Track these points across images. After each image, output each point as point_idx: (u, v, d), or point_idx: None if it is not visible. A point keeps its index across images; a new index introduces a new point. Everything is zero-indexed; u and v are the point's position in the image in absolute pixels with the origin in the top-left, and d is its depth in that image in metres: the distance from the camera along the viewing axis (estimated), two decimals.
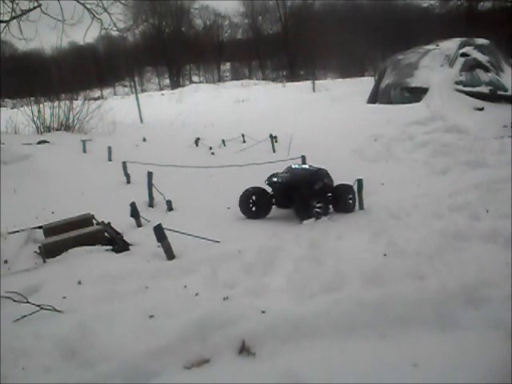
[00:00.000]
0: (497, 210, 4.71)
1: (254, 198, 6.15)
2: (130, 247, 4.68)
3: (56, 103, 14.06)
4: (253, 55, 46.40)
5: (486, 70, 15.16)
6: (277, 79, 41.63)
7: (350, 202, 6.11)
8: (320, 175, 6.22)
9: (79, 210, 5.57)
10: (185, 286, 3.46)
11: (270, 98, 23.15)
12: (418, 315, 2.65)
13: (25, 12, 8.17)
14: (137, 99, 19.55)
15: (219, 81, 42.74)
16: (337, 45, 32.30)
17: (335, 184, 6.29)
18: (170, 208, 6.41)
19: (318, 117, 15.29)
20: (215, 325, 2.66)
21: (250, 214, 6.08)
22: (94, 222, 5.44)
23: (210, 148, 11.81)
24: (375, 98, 16.90)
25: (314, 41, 32.58)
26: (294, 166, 6.62)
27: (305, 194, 5.78)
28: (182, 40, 44.07)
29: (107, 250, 4.55)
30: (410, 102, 14.64)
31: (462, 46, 16.55)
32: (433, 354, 2.35)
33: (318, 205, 5.75)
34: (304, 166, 6.83)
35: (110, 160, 9.97)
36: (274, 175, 6.28)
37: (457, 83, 14.81)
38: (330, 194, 6.13)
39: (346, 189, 6.16)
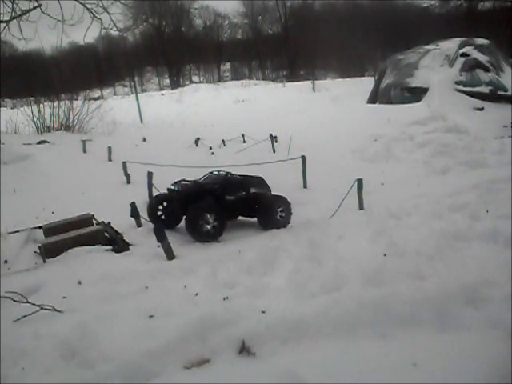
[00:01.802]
0: (497, 210, 4.71)
1: (164, 204, 5.44)
2: (130, 247, 4.68)
3: (56, 103, 14.08)
4: (253, 55, 46.42)
5: (486, 70, 15.17)
6: (277, 79, 41.66)
7: (282, 216, 5.41)
8: (240, 185, 5.45)
9: (79, 210, 5.57)
10: (185, 286, 3.47)
11: (270, 97, 23.16)
12: (418, 315, 2.65)
13: (25, 12, 8.17)
14: (137, 99, 19.56)
15: (219, 81, 42.76)
16: (337, 45, 32.30)
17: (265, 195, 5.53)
18: None
19: (317, 117, 15.29)
20: (215, 325, 2.66)
21: (159, 224, 5.16)
22: (94, 222, 5.44)
23: (210, 148, 11.81)
24: (375, 97, 16.91)
25: (313, 41, 32.58)
26: (215, 172, 5.78)
27: (196, 208, 4.92)
28: (182, 40, 44.08)
29: (107, 250, 4.55)
30: (410, 102, 14.65)
31: (462, 45, 16.57)
32: (433, 354, 2.35)
33: (211, 220, 4.89)
34: (226, 173, 5.76)
35: (110, 160, 9.98)
36: (177, 182, 5.46)
37: (457, 83, 14.82)
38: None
39: (274, 201, 5.46)
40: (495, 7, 30.02)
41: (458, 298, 2.75)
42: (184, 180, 5.51)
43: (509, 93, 14.44)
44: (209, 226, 4.89)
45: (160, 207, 5.47)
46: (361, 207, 5.94)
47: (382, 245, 3.90)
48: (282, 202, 5.52)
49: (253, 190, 5.48)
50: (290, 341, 2.57)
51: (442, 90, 14.54)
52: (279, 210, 5.44)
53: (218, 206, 5.08)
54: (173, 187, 5.34)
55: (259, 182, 5.66)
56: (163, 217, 5.45)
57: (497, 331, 2.46)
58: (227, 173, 5.72)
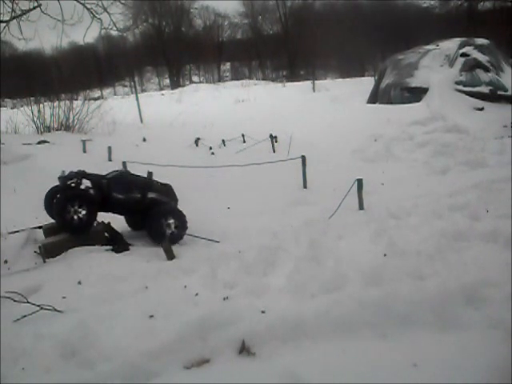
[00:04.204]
0: (497, 210, 4.70)
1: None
2: (130, 247, 4.69)
3: (56, 103, 14.08)
4: (253, 55, 46.37)
5: (486, 70, 15.16)
6: (277, 79, 41.59)
7: (174, 230, 4.98)
8: (137, 186, 5.09)
9: None
10: (185, 286, 3.46)
11: (270, 97, 23.13)
12: (418, 315, 2.65)
13: (25, 12, 8.17)
14: (137, 99, 19.53)
15: (219, 81, 42.70)
16: (337, 45, 32.29)
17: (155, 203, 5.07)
18: None
19: (318, 117, 15.29)
20: (215, 325, 2.66)
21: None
22: (94, 222, 5.44)
23: (210, 148, 11.81)
24: (375, 97, 16.90)
25: (314, 41, 32.59)
26: (118, 171, 5.39)
27: (64, 195, 4.74)
28: (182, 40, 44.05)
29: (107, 250, 4.55)
30: (410, 102, 14.65)
31: (462, 46, 16.56)
32: (433, 354, 2.35)
33: (80, 210, 4.59)
34: (125, 171, 5.41)
35: (110, 160, 9.98)
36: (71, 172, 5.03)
37: (457, 83, 14.82)
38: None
39: (166, 211, 5.01)
40: (495, 7, 30.01)
41: (458, 298, 2.74)
42: (80, 170, 5.18)
43: (509, 93, 14.43)
44: (75, 217, 4.64)
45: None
46: (361, 207, 5.94)
47: (382, 245, 3.90)
48: (176, 214, 5.07)
49: (151, 196, 5.11)
50: (290, 341, 2.57)
51: (442, 89, 14.54)
52: (170, 222, 5.00)
53: (92, 198, 4.81)
54: (61, 175, 5.03)
55: (164, 189, 5.32)
56: None
57: (497, 331, 2.46)
58: (126, 171, 5.38)
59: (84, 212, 4.69)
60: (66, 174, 5.05)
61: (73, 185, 4.86)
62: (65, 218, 4.63)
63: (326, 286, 3.12)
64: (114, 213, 5.22)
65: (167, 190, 5.39)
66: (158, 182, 5.41)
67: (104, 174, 5.34)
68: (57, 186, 5.13)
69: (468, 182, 6.52)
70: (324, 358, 2.40)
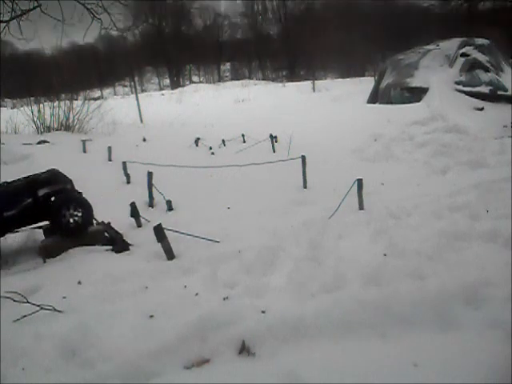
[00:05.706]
0: (497, 210, 4.69)
1: None
2: (130, 247, 4.69)
3: (56, 103, 14.10)
4: (253, 55, 46.40)
5: (486, 70, 15.17)
6: (277, 79, 41.66)
7: (76, 219, 4.58)
8: (22, 191, 4.60)
9: None
10: (185, 286, 3.46)
11: (270, 97, 23.17)
12: (418, 315, 2.65)
13: (25, 12, 8.20)
14: (137, 99, 19.55)
15: (219, 81, 42.78)
16: (337, 45, 32.29)
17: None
18: (169, 208, 6.43)
19: (317, 117, 15.30)
20: (215, 325, 2.66)
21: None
22: (94, 221, 5.44)
23: (210, 148, 11.81)
24: (375, 97, 16.91)
25: (314, 41, 32.57)
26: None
27: None
28: (182, 40, 44.06)
29: (107, 250, 4.55)
30: (410, 102, 14.66)
31: (462, 45, 16.57)
32: (433, 354, 2.34)
33: None
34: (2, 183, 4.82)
35: (109, 160, 9.98)
36: None
37: (457, 83, 14.83)
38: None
39: (63, 201, 4.50)
40: (495, 7, 30.03)
41: (458, 298, 2.74)
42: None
43: (509, 93, 14.44)
44: None
45: None
46: (361, 207, 5.93)
47: (382, 245, 3.90)
48: (74, 199, 4.58)
49: (44, 191, 4.64)
50: (290, 341, 2.56)
51: (442, 89, 14.54)
52: (72, 211, 4.57)
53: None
54: None
55: (51, 177, 4.82)
56: None
57: (497, 331, 2.46)
58: (2, 183, 4.76)
59: None
60: None
61: None
62: None
63: (325, 286, 3.12)
64: (21, 227, 4.83)
65: (54, 177, 4.86)
66: (39, 174, 4.93)
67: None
68: None
69: (468, 181, 6.51)
70: (324, 357, 2.40)
